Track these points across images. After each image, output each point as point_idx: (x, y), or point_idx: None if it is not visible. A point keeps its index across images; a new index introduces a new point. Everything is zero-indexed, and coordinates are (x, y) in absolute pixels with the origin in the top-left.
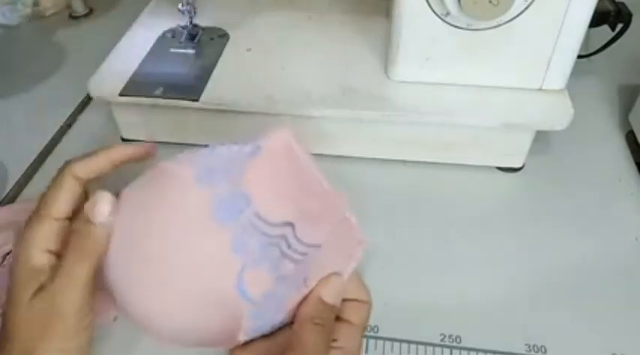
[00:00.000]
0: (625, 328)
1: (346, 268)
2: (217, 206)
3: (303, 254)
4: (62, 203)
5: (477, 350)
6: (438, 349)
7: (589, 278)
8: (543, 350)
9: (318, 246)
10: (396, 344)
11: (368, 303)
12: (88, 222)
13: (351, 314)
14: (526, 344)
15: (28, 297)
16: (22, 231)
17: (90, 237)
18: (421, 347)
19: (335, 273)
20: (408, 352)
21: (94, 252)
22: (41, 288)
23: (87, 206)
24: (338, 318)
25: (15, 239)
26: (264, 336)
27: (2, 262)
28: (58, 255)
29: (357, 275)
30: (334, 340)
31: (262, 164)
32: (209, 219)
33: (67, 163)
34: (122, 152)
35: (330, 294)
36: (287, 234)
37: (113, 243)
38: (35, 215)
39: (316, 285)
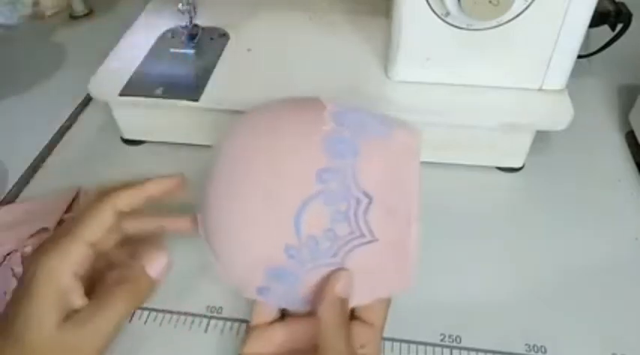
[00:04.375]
0: (625, 328)
1: (374, 294)
2: (330, 138)
3: (358, 234)
4: (97, 229)
5: (477, 350)
6: (438, 349)
7: (589, 278)
8: (543, 350)
9: (373, 240)
10: (396, 344)
11: (386, 302)
12: (144, 272)
13: (371, 316)
14: (526, 344)
15: (56, 320)
16: (42, 242)
17: (142, 286)
18: (421, 347)
19: (343, 269)
20: (408, 352)
21: (140, 301)
22: (70, 315)
23: (146, 258)
24: (358, 319)
25: (19, 242)
26: (280, 325)
27: (2, 262)
28: (82, 281)
29: None
30: (361, 346)
31: (383, 144)
32: (317, 142)
33: (107, 193)
34: (158, 188)
35: (344, 289)
36: (362, 203)
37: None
38: (67, 233)
39: (329, 279)
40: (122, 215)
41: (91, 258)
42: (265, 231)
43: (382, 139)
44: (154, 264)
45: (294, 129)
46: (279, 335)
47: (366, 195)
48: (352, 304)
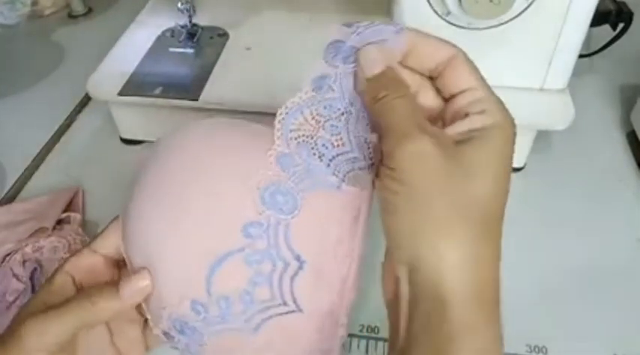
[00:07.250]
0: (626, 328)
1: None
2: (270, 185)
3: (280, 302)
4: (105, 240)
5: None
6: None
7: (589, 279)
8: (544, 350)
9: (296, 311)
10: None
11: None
12: (105, 291)
13: (458, 80)
14: (527, 345)
15: (35, 307)
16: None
17: (101, 303)
18: None
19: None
20: None
21: (93, 317)
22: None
23: (123, 278)
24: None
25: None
26: None
27: (2, 263)
28: (78, 287)
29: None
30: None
31: (329, 200)
32: (252, 188)
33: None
34: None
35: (369, 64)
36: (290, 267)
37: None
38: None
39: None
40: None
41: (94, 264)
42: (173, 280)
43: (329, 194)
44: (127, 285)
45: (230, 168)
46: None
47: (297, 258)
48: None
